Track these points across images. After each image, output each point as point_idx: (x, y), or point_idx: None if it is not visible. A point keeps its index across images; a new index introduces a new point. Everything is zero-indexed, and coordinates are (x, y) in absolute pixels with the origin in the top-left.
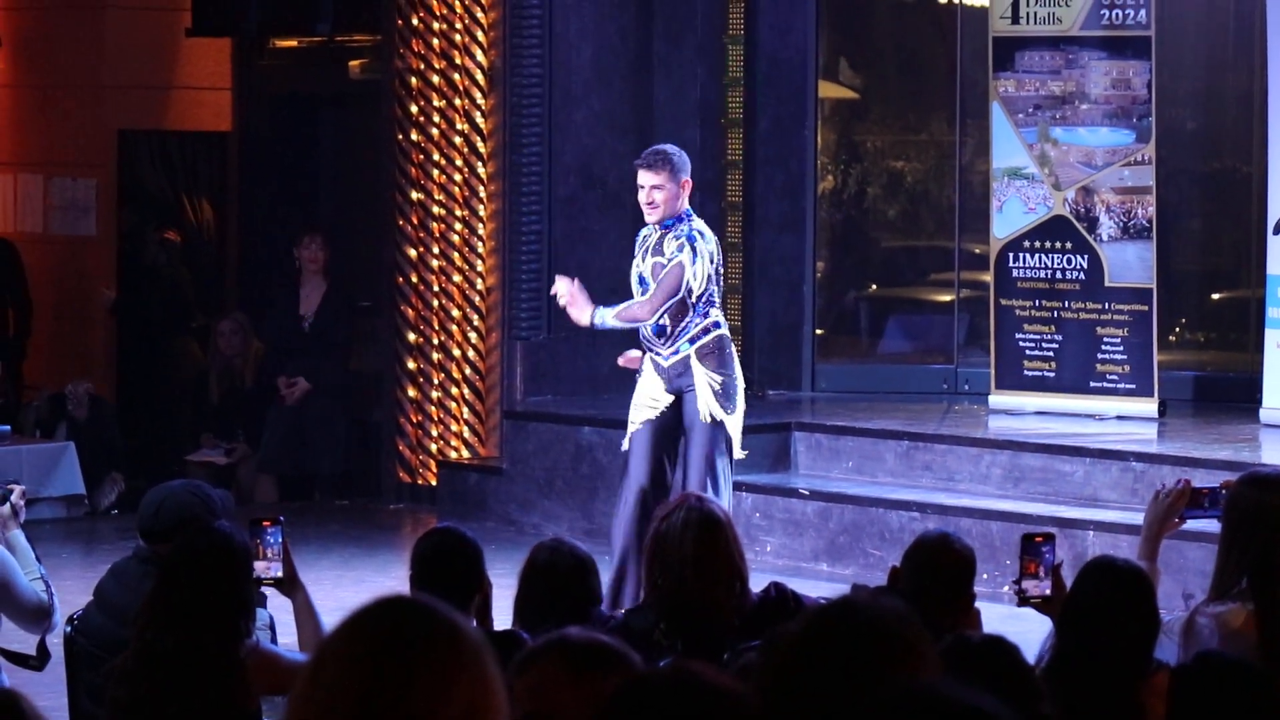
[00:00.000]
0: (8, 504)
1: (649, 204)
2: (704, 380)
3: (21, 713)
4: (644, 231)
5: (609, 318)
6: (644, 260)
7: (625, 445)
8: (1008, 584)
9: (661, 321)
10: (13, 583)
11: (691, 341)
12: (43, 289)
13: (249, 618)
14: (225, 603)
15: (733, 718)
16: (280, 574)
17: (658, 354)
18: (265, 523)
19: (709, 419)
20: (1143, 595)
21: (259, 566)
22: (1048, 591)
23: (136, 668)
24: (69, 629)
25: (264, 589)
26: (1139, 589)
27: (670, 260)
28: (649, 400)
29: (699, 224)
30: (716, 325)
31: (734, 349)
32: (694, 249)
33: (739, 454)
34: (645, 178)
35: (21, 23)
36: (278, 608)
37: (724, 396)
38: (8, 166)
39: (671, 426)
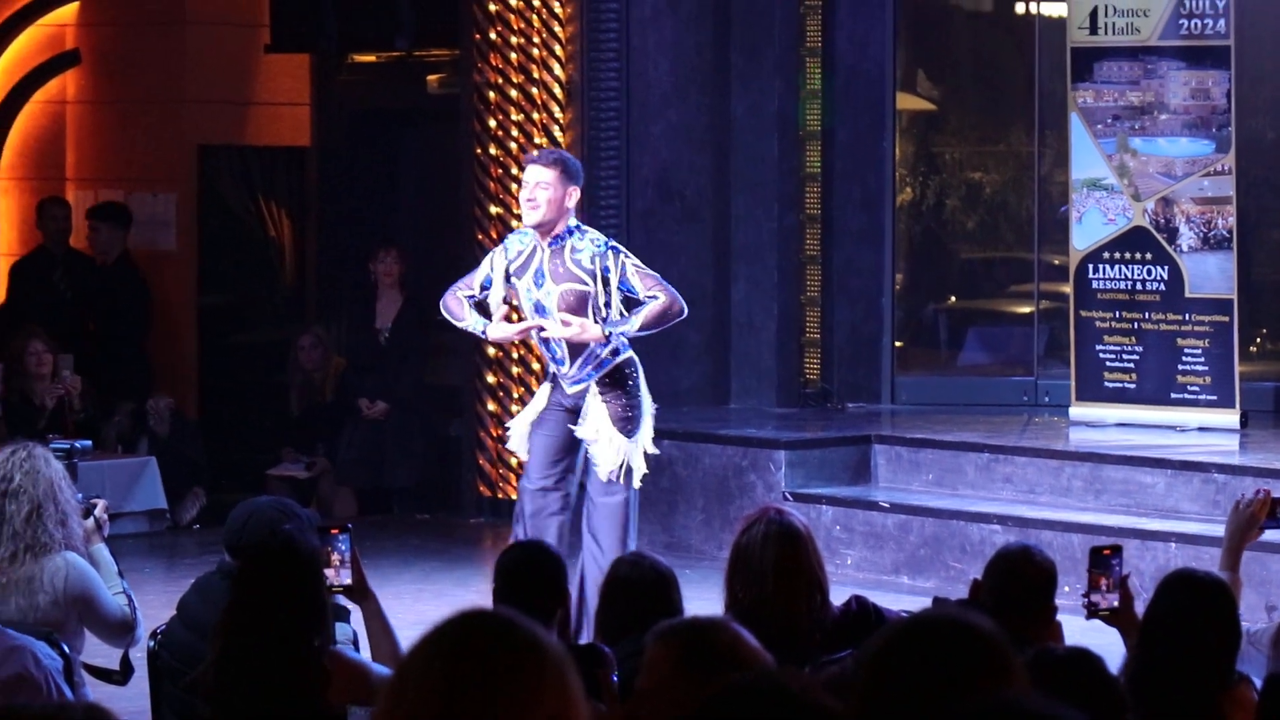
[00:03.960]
0: (91, 518)
1: (529, 201)
2: (603, 411)
3: None
4: (517, 246)
5: (633, 327)
6: (539, 287)
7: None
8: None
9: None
10: (96, 597)
11: (597, 369)
12: None
13: (325, 620)
14: (298, 605)
15: None
16: (349, 581)
17: (561, 382)
18: (333, 530)
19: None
20: (1223, 606)
21: (328, 574)
22: (1115, 604)
23: (219, 680)
24: (152, 643)
25: (340, 599)
26: (1219, 600)
27: (618, 264)
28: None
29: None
30: (624, 348)
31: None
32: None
33: (637, 480)
34: (532, 173)
35: (101, 39)
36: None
37: (629, 422)
38: (88, 182)
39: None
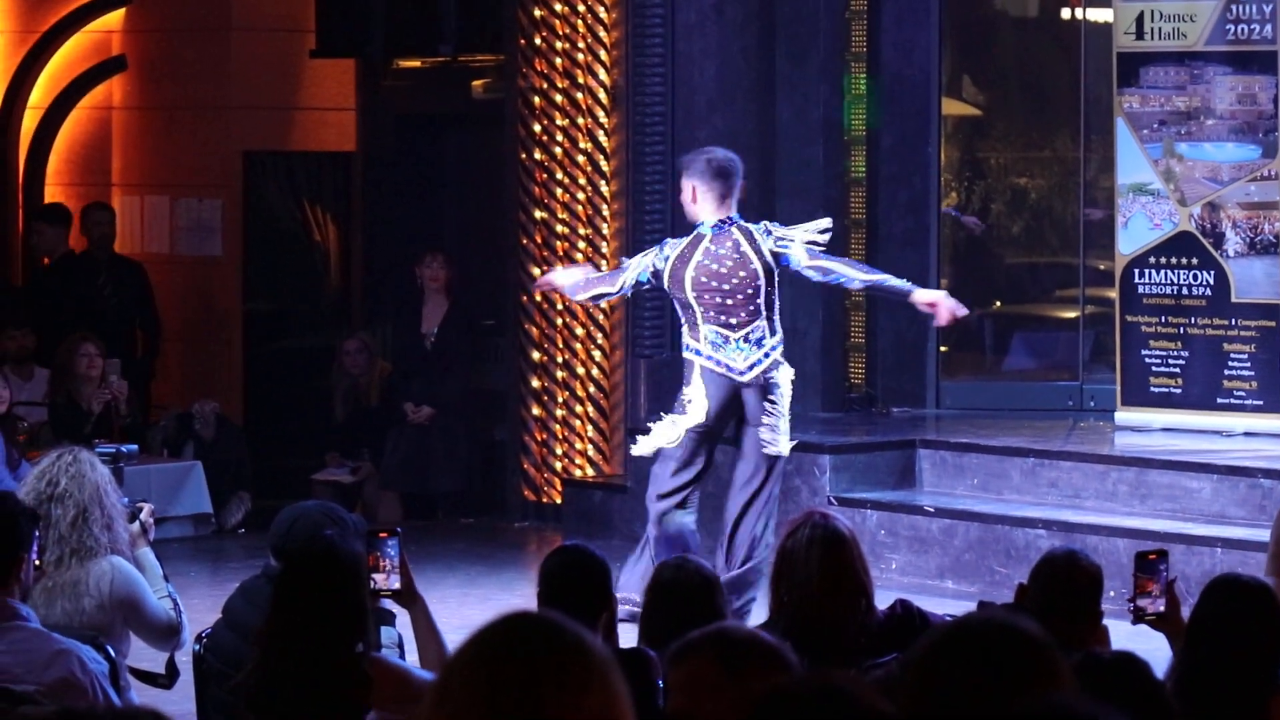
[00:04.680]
0: (137, 522)
1: None
2: None
3: None
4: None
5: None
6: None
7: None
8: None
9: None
10: (142, 601)
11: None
12: (169, 310)
13: (365, 625)
14: (339, 610)
15: None
16: (398, 586)
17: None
18: (382, 534)
19: None
20: (1269, 610)
21: (377, 579)
22: (1162, 608)
23: (260, 688)
24: (198, 647)
25: (385, 602)
26: (1265, 604)
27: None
28: None
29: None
30: (683, 347)
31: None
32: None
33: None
34: None
35: (147, 45)
36: (405, 625)
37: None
38: (134, 188)
39: None
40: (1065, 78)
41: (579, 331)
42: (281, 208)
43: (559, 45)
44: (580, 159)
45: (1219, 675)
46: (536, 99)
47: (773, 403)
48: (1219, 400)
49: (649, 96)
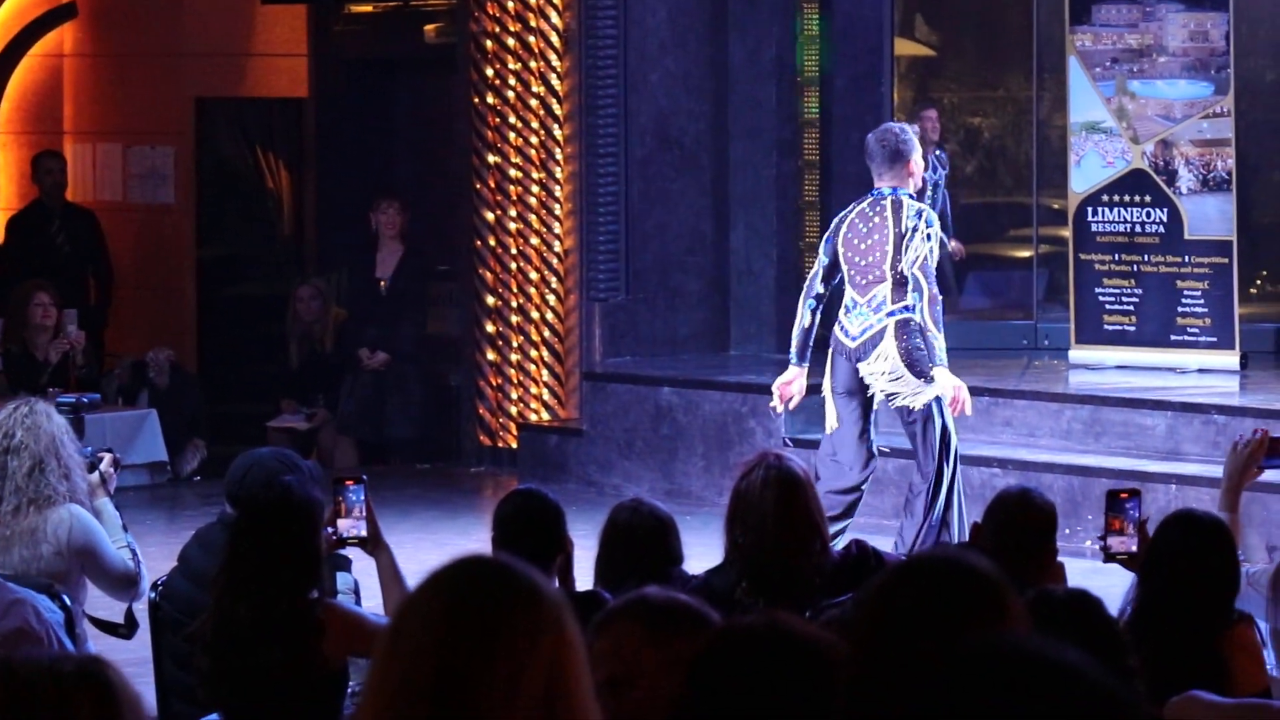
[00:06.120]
0: (96, 472)
1: None
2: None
3: (107, 682)
4: None
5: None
6: None
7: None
8: (1091, 540)
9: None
10: (99, 549)
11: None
12: (122, 257)
13: (320, 572)
14: (293, 557)
15: (823, 668)
16: (364, 533)
17: None
18: (347, 481)
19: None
20: (1223, 546)
21: (343, 525)
22: (1133, 548)
23: (216, 635)
24: (154, 595)
25: (348, 550)
26: (1219, 540)
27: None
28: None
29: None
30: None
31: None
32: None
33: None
34: None
35: None
36: (362, 571)
37: None
38: (86, 136)
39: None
40: (1018, 17)
41: (533, 276)
42: (234, 154)
43: None
44: (533, 103)
45: (1172, 610)
46: (489, 43)
47: (885, 362)
48: (1172, 337)
49: (601, 39)
